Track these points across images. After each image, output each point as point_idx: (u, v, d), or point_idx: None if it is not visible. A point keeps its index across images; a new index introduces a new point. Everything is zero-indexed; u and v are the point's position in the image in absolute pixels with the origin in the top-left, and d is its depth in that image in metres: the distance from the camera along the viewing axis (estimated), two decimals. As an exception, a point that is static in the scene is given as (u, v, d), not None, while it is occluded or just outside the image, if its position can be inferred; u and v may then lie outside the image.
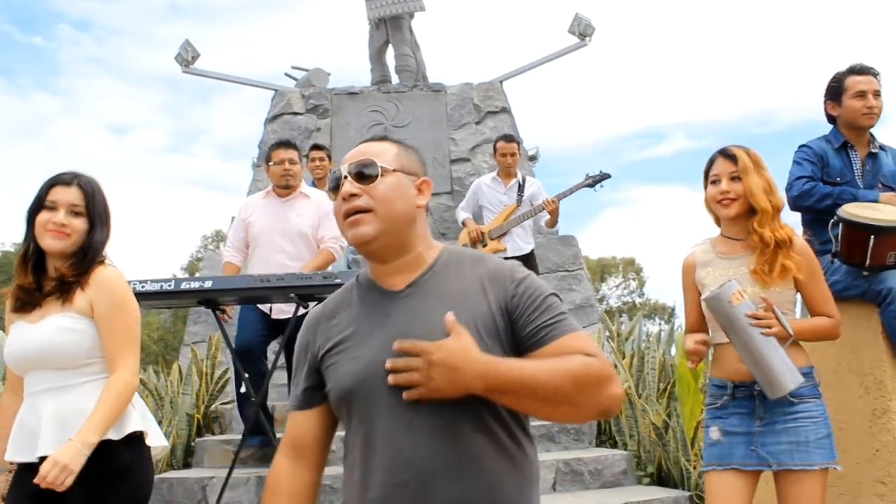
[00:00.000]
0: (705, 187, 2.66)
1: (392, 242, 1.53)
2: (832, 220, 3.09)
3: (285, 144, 4.84)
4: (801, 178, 3.39)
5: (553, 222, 6.07)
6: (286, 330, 4.25)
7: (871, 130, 3.51)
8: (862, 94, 3.40)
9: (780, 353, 2.41)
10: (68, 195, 2.34)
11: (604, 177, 6.14)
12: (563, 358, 1.40)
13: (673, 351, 5.47)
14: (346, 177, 1.53)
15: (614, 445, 5.14)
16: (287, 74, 9.36)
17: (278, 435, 4.70)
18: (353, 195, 1.50)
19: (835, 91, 3.50)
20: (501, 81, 8.91)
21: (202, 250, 38.64)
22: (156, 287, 4.01)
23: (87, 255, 2.35)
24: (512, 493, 1.44)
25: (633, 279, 46.84)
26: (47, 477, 2.07)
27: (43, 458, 2.16)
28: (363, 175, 1.52)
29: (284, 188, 4.70)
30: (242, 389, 4.39)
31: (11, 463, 2.35)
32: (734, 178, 2.55)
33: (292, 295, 4.05)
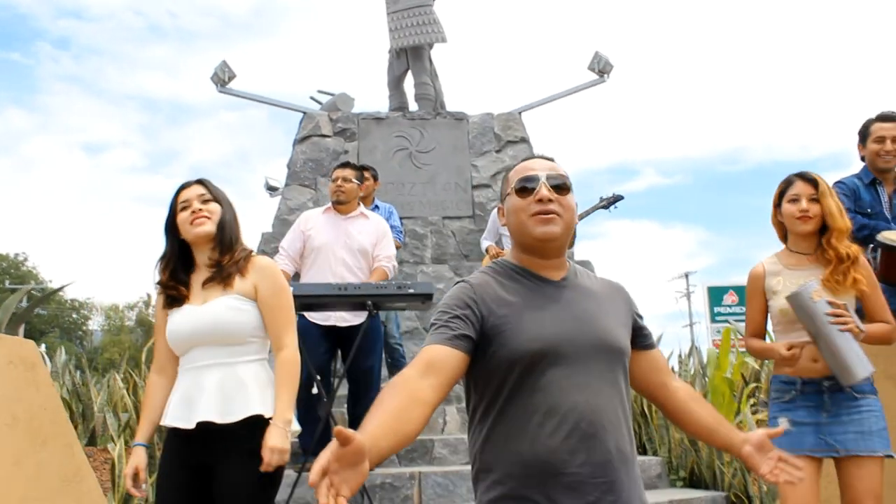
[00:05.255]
0: (776, 205, 3.04)
1: (563, 245, 1.92)
2: (872, 245, 3.54)
3: (343, 165, 5.24)
4: None
5: (570, 244, 6.46)
6: (357, 337, 4.57)
7: None
8: (881, 140, 3.84)
9: (855, 345, 2.78)
10: (194, 190, 2.68)
11: (617, 198, 6.56)
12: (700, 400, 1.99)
13: (695, 360, 5.89)
14: (544, 183, 1.87)
15: (644, 452, 5.54)
16: (312, 98, 9.73)
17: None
18: (550, 200, 1.86)
19: (862, 135, 3.96)
20: (520, 112, 9.37)
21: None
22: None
23: (225, 234, 2.64)
24: (633, 452, 1.85)
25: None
26: (271, 463, 2.39)
27: (201, 424, 2.44)
28: (558, 186, 1.89)
29: (337, 203, 5.05)
30: (314, 390, 4.68)
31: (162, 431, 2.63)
32: (813, 200, 2.93)
33: (369, 303, 4.42)
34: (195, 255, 2.68)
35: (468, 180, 8.72)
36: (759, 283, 3.05)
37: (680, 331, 37.29)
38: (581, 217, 6.81)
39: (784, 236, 3.10)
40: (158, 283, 2.70)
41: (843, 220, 2.92)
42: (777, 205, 3.05)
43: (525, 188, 1.89)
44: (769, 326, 3.11)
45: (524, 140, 9.08)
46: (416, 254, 8.29)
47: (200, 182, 2.72)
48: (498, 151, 8.98)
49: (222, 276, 2.58)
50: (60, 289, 15.90)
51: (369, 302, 4.41)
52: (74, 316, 42.51)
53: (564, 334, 1.79)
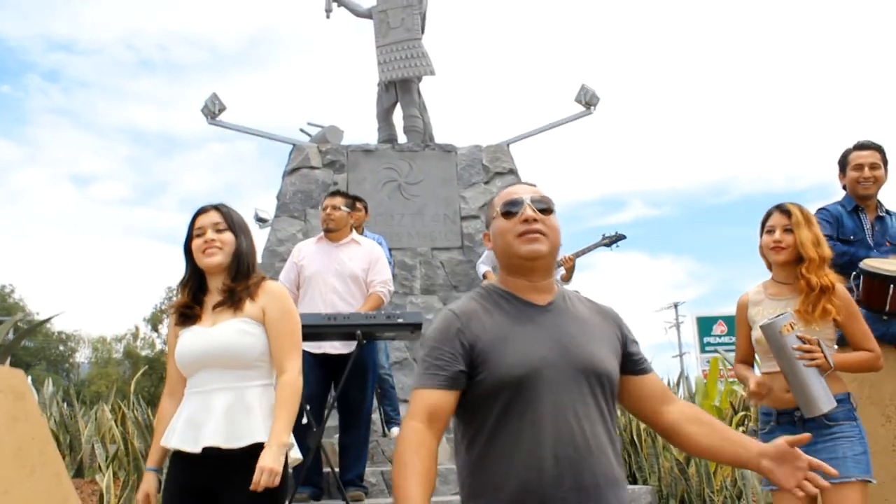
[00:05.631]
0: (761, 236, 3.13)
1: (549, 264, 1.96)
2: (854, 273, 3.60)
3: (333, 193, 5.30)
4: None
5: (568, 278, 6.46)
6: (347, 366, 4.57)
7: (880, 197, 4.04)
8: (859, 167, 3.93)
9: (819, 380, 2.86)
10: (209, 217, 2.69)
11: (619, 237, 6.58)
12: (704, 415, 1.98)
13: (684, 389, 5.93)
14: (529, 205, 1.92)
15: (634, 481, 5.54)
16: (302, 130, 9.79)
17: (325, 469, 4.98)
18: (535, 220, 1.91)
19: (841, 164, 4.05)
20: (508, 144, 9.46)
21: (167, 301, 38.42)
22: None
23: (241, 264, 2.67)
24: (621, 475, 1.87)
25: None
26: (260, 483, 2.36)
27: (207, 449, 2.44)
28: (542, 207, 1.94)
29: (327, 231, 5.09)
30: (304, 420, 4.67)
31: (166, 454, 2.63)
32: (787, 230, 3.01)
33: (358, 332, 4.43)
34: (208, 281, 2.71)
35: (457, 211, 8.78)
36: (744, 312, 3.15)
37: (670, 361, 37.28)
38: (581, 253, 6.86)
39: (769, 266, 3.18)
40: (176, 305, 2.73)
41: (816, 250, 2.98)
42: (761, 236, 3.13)
43: (510, 211, 1.94)
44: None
45: (512, 171, 9.16)
46: (406, 284, 8.32)
47: (217, 209, 2.72)
48: (486, 183, 9.06)
49: (233, 300, 2.61)
50: (47, 320, 15.81)
51: (359, 332, 4.43)
52: (61, 348, 42.10)
53: (548, 359, 1.82)
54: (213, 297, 2.68)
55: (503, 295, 1.95)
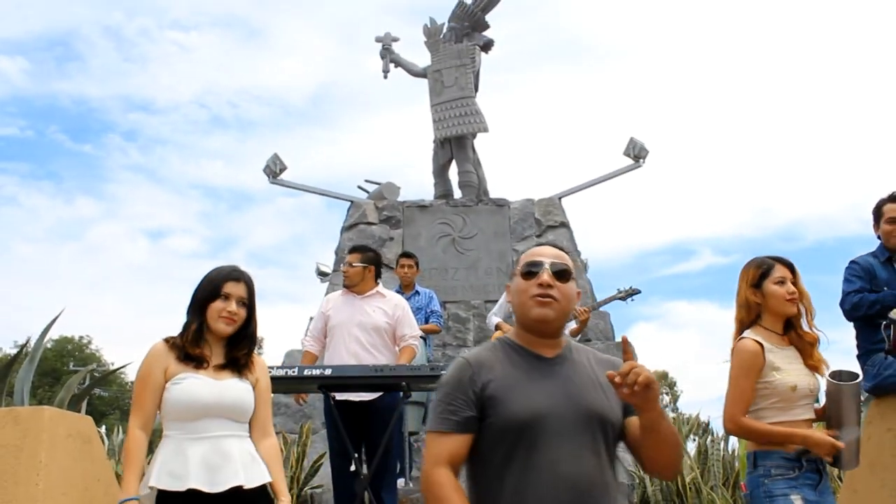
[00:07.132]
0: (755, 284, 3.07)
1: (558, 327, 2.09)
2: (885, 323, 3.64)
3: (351, 249, 5.49)
4: (850, 293, 3.94)
5: (578, 331, 6.31)
6: (393, 419, 4.76)
7: None
8: (892, 220, 3.98)
9: None
10: (239, 289, 2.88)
11: (634, 292, 6.55)
12: None
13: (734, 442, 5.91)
14: (547, 269, 2.05)
15: (681, 534, 5.53)
16: (360, 187, 10.17)
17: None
18: (550, 285, 2.03)
19: (875, 215, 4.10)
20: (560, 198, 9.65)
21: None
22: (281, 373, 4.59)
23: (252, 341, 2.94)
24: None
25: (667, 393, 46.24)
26: None
27: (233, 488, 2.66)
28: (560, 273, 2.06)
29: (345, 286, 5.29)
30: (352, 467, 4.82)
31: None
32: (793, 283, 3.04)
33: (404, 384, 4.62)
34: (208, 337, 2.89)
35: (510, 265, 8.95)
36: (760, 359, 2.98)
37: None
38: (597, 306, 6.92)
39: (754, 316, 3.10)
40: (189, 347, 2.85)
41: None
42: (755, 285, 3.09)
43: (530, 272, 2.08)
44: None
45: (564, 225, 9.32)
46: (459, 336, 8.49)
47: (247, 284, 2.93)
48: (539, 236, 9.23)
49: (237, 366, 2.88)
50: (116, 370, 16.33)
51: (404, 383, 4.61)
52: (134, 399, 43.06)
53: (552, 407, 1.96)
54: (208, 351, 2.87)
55: (514, 347, 2.11)
